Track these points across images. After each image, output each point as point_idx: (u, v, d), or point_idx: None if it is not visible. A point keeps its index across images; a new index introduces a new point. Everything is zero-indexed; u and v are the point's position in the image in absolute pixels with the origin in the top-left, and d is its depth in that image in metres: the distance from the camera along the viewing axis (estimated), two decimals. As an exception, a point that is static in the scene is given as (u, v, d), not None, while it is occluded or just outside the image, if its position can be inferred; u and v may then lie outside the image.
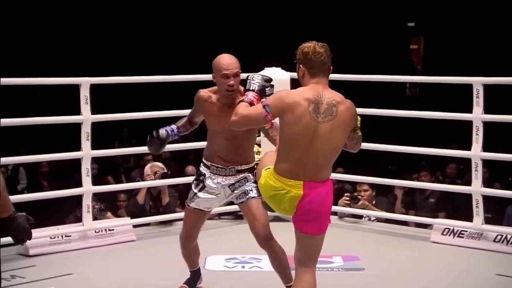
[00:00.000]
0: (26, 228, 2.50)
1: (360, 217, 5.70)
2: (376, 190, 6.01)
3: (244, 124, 3.08)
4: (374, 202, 5.86)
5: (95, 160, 7.89)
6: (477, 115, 4.84)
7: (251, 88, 3.15)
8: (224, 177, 3.64)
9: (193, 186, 3.69)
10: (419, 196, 7.18)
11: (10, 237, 2.55)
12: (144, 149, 6.04)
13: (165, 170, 5.74)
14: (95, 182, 5.06)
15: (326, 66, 3.04)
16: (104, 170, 8.40)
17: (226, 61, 3.52)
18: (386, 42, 14.22)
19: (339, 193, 6.09)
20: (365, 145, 5.33)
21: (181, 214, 5.58)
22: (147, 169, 5.77)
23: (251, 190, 3.62)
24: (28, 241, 2.56)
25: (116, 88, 7.34)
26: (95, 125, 4.88)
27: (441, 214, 6.42)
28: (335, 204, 5.89)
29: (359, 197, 5.67)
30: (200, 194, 3.66)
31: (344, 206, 5.66)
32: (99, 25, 13.65)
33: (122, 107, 5.45)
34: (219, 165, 3.63)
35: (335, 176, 6.67)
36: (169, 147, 5.99)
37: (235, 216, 5.71)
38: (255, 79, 3.18)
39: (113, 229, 5.02)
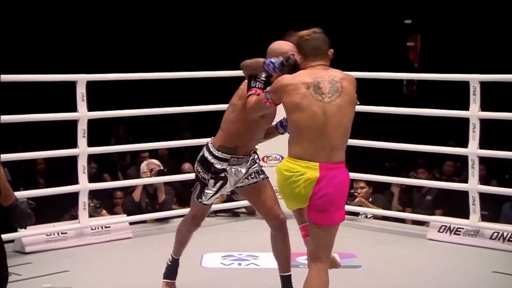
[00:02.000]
0: (29, 213, 2.61)
1: (356, 214, 5.70)
2: (373, 188, 6.01)
3: (255, 110, 3.20)
4: (370, 200, 5.87)
5: (93, 159, 7.91)
6: (474, 113, 4.84)
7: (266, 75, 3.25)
8: (242, 165, 3.53)
9: (210, 185, 3.50)
10: (416, 194, 7.18)
11: (14, 223, 2.62)
12: (140, 146, 6.12)
13: (161, 168, 5.73)
14: (94, 181, 5.05)
15: (320, 50, 3.06)
16: (101, 168, 8.40)
17: (288, 46, 3.33)
18: (383, 40, 14.22)
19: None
20: (362, 142, 5.37)
21: (177, 212, 5.62)
22: (143, 166, 5.76)
23: (261, 169, 3.58)
24: (30, 225, 2.64)
25: (113, 85, 7.34)
26: (91, 123, 4.87)
27: (438, 212, 6.43)
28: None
29: (356, 194, 5.67)
30: (220, 192, 3.57)
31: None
32: (96, 22, 13.62)
33: (118, 104, 5.42)
34: (240, 156, 3.52)
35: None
36: (166, 144, 6.02)
37: (232, 213, 5.71)
38: (276, 63, 3.21)
39: (109, 227, 5.02)
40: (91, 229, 4.93)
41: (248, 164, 3.55)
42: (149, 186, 5.69)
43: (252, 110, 3.23)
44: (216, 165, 3.50)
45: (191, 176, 6.34)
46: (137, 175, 6.16)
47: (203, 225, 3.77)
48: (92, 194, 5.25)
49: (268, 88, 3.13)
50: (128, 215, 5.34)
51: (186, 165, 7.27)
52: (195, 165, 3.60)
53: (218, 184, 3.50)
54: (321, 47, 3.06)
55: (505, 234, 4.82)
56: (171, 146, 6.28)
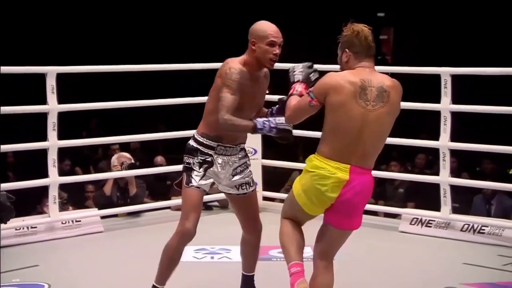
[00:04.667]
0: (9, 206, 2.49)
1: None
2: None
3: (297, 116, 3.01)
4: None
5: (67, 155, 7.83)
6: (445, 106, 4.87)
7: (296, 80, 3.08)
8: (229, 156, 3.37)
9: (196, 167, 3.30)
10: (388, 186, 7.23)
11: None
12: (111, 139, 6.06)
13: (132, 161, 5.68)
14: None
15: (372, 50, 2.93)
16: (73, 162, 8.33)
17: (273, 28, 3.23)
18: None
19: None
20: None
21: (149, 205, 5.59)
22: (114, 159, 5.71)
23: (252, 179, 3.45)
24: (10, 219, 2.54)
25: (86, 77, 7.26)
26: (63, 117, 4.81)
27: (410, 204, 6.47)
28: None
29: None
30: (208, 175, 3.33)
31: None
32: (73, 14, 13.48)
33: (90, 97, 5.37)
34: (228, 145, 3.35)
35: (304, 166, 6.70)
36: (138, 137, 5.97)
37: (204, 206, 5.67)
38: (297, 69, 3.11)
39: (80, 220, 4.97)
40: (62, 223, 4.89)
41: (238, 160, 3.39)
42: (120, 180, 5.64)
43: (292, 118, 3.01)
44: (202, 149, 3.34)
45: (163, 169, 6.38)
46: (109, 169, 6.11)
47: (176, 218, 3.72)
48: (64, 188, 5.20)
49: (311, 88, 2.96)
50: (99, 209, 5.30)
51: (159, 158, 7.24)
52: (183, 159, 3.41)
53: (204, 166, 3.32)
54: (373, 47, 2.94)
55: (475, 226, 4.86)
56: (143, 139, 6.22)
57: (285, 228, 3.06)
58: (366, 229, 5.13)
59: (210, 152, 3.33)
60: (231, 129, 3.23)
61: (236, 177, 3.40)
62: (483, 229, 4.83)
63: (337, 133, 2.88)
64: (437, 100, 4.89)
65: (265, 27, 3.24)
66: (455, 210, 5.07)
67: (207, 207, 5.65)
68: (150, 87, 9.62)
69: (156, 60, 5.71)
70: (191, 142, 3.38)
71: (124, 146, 7.67)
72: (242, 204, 3.45)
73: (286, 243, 3.03)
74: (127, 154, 5.81)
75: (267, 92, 3.46)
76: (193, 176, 3.32)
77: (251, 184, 3.44)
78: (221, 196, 3.98)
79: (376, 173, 6.16)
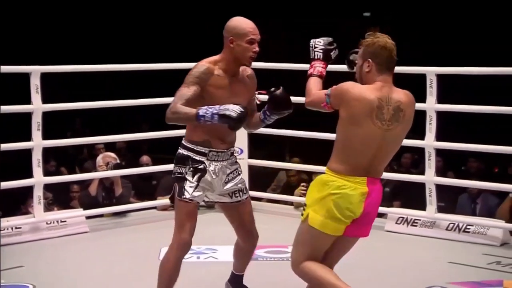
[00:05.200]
0: None
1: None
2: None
3: (314, 107, 2.99)
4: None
5: (52, 156, 7.77)
6: (431, 105, 4.88)
7: (316, 57, 3.02)
8: (221, 162, 3.24)
9: (189, 177, 3.17)
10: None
11: None
12: (96, 139, 6.02)
13: (118, 161, 5.66)
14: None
15: (393, 64, 2.88)
16: (58, 162, 8.28)
17: (252, 25, 3.14)
18: (344, 32, 14.27)
19: (298, 183, 6.10)
20: (321, 135, 5.37)
21: (135, 205, 5.57)
22: (99, 159, 5.68)
23: (245, 186, 3.35)
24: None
25: (72, 77, 7.22)
26: (48, 117, 4.78)
27: (396, 203, 6.48)
28: (292, 194, 5.90)
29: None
30: (201, 184, 3.19)
31: (300, 196, 5.66)
32: (59, 13, 13.41)
33: (75, 97, 5.35)
34: (220, 149, 3.22)
35: (291, 166, 6.70)
36: (123, 137, 5.94)
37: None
38: (318, 45, 3.04)
39: (65, 221, 4.95)
40: (47, 223, 4.86)
41: (230, 166, 3.28)
42: (106, 180, 5.62)
43: (310, 106, 3.00)
44: (193, 157, 3.20)
45: (149, 169, 6.36)
46: (94, 169, 6.07)
47: (160, 219, 3.72)
48: (49, 188, 5.17)
49: (329, 91, 2.90)
50: (85, 209, 5.28)
51: (144, 158, 7.21)
52: (173, 170, 3.27)
53: (196, 176, 3.17)
54: (395, 61, 2.89)
55: (460, 225, 4.89)
56: (128, 139, 6.19)
57: (311, 265, 2.93)
58: (352, 228, 5.17)
59: (202, 159, 3.20)
60: (173, 117, 3.06)
61: (228, 185, 3.29)
62: (468, 228, 4.86)
63: (352, 152, 2.85)
64: (423, 100, 4.91)
65: (244, 24, 3.15)
66: (440, 209, 5.09)
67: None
68: (138, 86, 9.60)
69: (152, 60, 5.70)
70: (181, 151, 3.23)
71: (109, 146, 7.63)
72: (236, 212, 3.35)
73: (325, 276, 2.90)
74: (112, 154, 5.78)
75: (257, 92, 3.36)
76: (186, 187, 3.17)
77: (244, 191, 3.34)
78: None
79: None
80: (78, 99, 5.26)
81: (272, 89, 3.23)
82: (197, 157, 3.20)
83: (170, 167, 5.56)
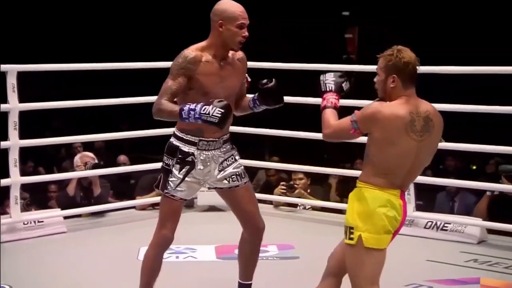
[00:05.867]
0: None
1: (295, 205, 5.72)
2: (311, 179, 6.04)
3: (336, 138, 2.95)
4: (309, 191, 5.89)
5: (29, 156, 7.69)
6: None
7: (328, 89, 2.98)
8: (213, 151, 3.15)
9: (175, 170, 3.10)
10: (353, 185, 7.24)
11: None
12: (74, 138, 5.97)
13: (96, 161, 5.61)
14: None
15: (415, 78, 2.86)
16: (36, 162, 8.21)
17: (241, 9, 3.05)
18: (321, 31, 14.31)
19: (277, 182, 6.09)
20: (301, 134, 5.38)
21: (113, 205, 5.53)
22: (77, 159, 5.63)
23: (244, 172, 3.23)
24: None
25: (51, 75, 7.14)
26: (25, 117, 4.74)
27: (375, 202, 6.50)
28: (271, 193, 5.90)
29: (296, 185, 5.69)
30: (188, 179, 3.12)
31: (280, 195, 5.66)
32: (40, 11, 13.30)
33: (54, 96, 5.31)
34: (211, 138, 3.13)
35: (270, 165, 6.71)
36: (102, 136, 5.90)
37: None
38: (328, 78, 2.98)
39: (42, 221, 4.91)
40: (24, 223, 4.81)
41: (223, 154, 3.19)
42: (84, 180, 5.57)
43: (331, 137, 2.94)
44: (182, 148, 3.12)
45: (127, 168, 6.32)
46: (72, 168, 6.03)
47: (139, 218, 3.70)
48: (26, 188, 5.12)
49: (354, 117, 2.83)
50: (63, 209, 5.23)
51: (122, 157, 7.17)
52: (163, 159, 3.20)
53: (184, 170, 3.10)
54: (416, 74, 2.86)
55: (438, 223, 4.92)
56: (105, 139, 6.14)
57: None
58: (332, 227, 5.18)
59: (192, 149, 3.12)
60: (158, 114, 3.02)
61: (223, 173, 3.19)
62: (446, 226, 4.89)
63: (389, 167, 2.84)
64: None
65: (234, 8, 3.06)
66: (419, 208, 5.12)
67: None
68: (119, 85, 9.53)
69: (132, 59, 5.68)
70: (172, 140, 3.17)
71: (88, 145, 7.58)
72: (237, 199, 3.23)
73: None
74: (90, 154, 5.74)
75: (248, 79, 3.31)
76: (169, 181, 3.11)
77: (243, 176, 3.23)
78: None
79: (341, 172, 6.27)
80: (57, 98, 5.21)
81: (265, 80, 3.20)
82: (186, 148, 3.12)
83: (148, 166, 5.63)
